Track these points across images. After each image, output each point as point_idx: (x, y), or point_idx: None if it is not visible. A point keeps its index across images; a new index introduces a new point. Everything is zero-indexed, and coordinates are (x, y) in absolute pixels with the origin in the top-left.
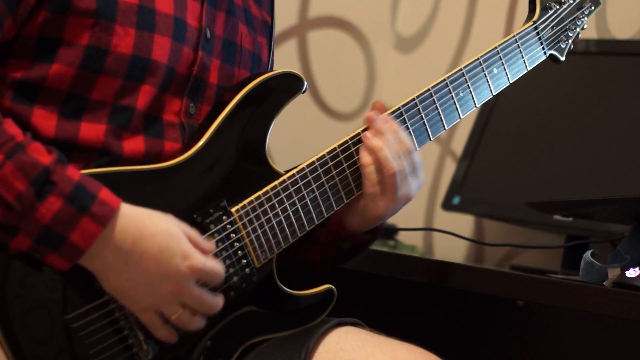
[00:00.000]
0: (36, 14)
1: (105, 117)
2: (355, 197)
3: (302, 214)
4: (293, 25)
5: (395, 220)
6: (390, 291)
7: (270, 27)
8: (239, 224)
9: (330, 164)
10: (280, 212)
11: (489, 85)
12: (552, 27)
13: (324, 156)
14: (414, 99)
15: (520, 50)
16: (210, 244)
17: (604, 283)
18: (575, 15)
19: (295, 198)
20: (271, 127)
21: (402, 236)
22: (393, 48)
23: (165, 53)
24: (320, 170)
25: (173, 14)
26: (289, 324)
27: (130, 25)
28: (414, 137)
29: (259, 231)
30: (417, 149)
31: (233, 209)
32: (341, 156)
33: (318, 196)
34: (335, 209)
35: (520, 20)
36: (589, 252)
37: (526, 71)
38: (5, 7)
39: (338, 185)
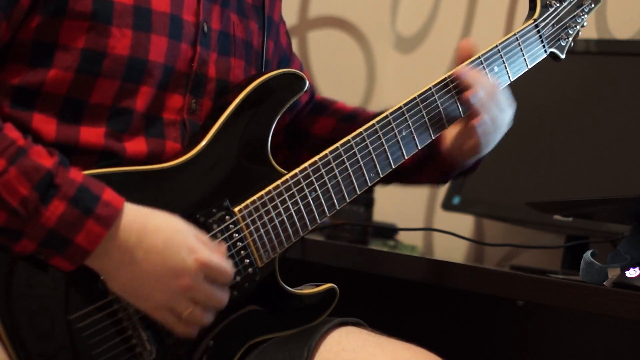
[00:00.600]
0: (31, 18)
1: (104, 119)
2: None
3: (304, 213)
4: (293, 25)
5: (395, 220)
6: (390, 291)
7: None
8: (242, 223)
9: (333, 163)
10: (282, 212)
11: None
12: (553, 25)
13: (326, 155)
14: (415, 98)
15: (521, 49)
16: (221, 247)
17: (604, 283)
18: (575, 13)
19: (297, 197)
20: (273, 127)
21: (402, 236)
22: (393, 48)
23: (162, 53)
24: (322, 170)
25: (169, 11)
26: (291, 323)
27: (127, 27)
28: (415, 135)
29: (262, 231)
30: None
31: (236, 209)
32: (344, 155)
33: (320, 195)
34: (338, 207)
35: (520, 20)
36: (589, 252)
37: (527, 69)
38: None
39: (340, 184)
